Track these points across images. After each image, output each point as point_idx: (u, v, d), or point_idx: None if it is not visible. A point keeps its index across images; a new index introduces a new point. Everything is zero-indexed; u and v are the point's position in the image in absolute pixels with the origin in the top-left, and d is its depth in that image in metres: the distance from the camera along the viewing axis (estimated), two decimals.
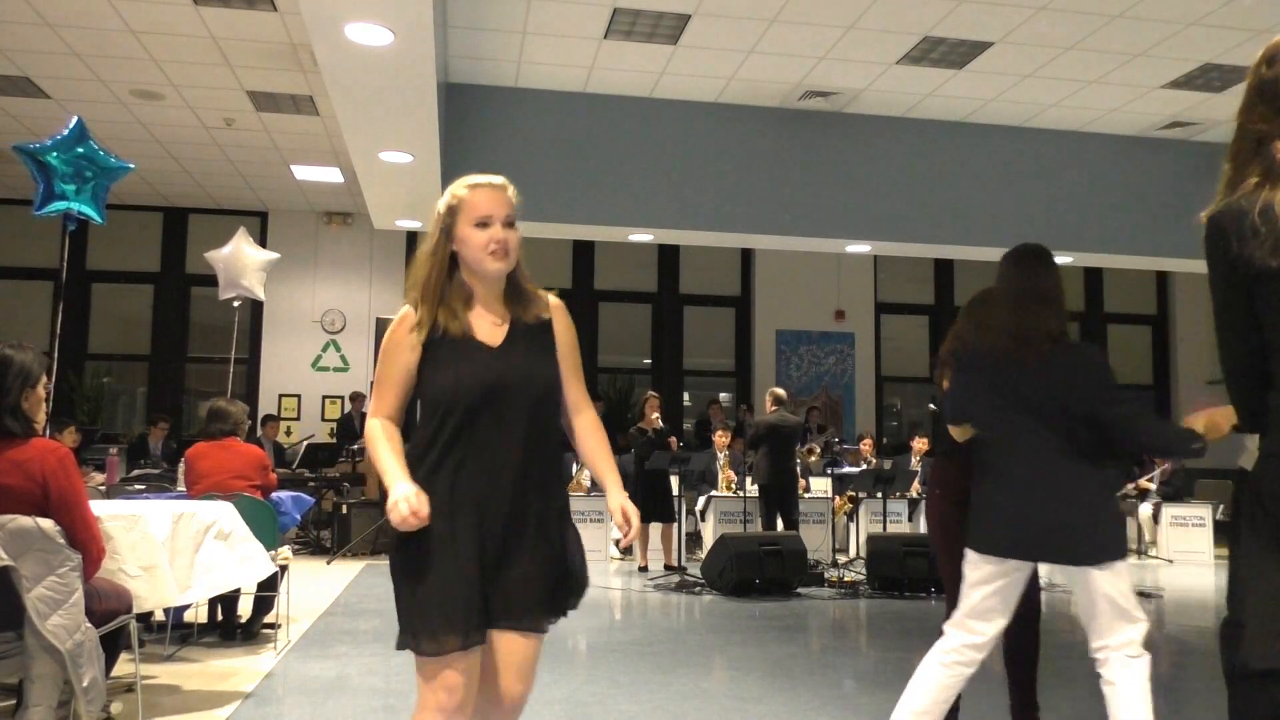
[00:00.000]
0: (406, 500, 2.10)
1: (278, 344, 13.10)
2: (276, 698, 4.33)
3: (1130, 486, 11.26)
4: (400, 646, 2.24)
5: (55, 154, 5.72)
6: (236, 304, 8.74)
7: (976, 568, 3.00)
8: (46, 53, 8.11)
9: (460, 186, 2.30)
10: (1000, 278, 3.20)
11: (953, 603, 3.48)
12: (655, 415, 9.10)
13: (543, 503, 2.26)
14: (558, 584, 2.28)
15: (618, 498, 2.35)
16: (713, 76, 8.51)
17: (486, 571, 2.18)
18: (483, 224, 2.25)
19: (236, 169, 11.33)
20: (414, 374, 2.26)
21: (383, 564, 9.13)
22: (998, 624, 3.00)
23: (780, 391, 9.47)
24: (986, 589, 2.98)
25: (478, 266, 2.27)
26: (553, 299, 2.40)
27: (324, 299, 13.23)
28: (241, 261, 8.60)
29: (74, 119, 5.92)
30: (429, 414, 2.24)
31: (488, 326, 2.29)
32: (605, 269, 13.97)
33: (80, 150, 5.78)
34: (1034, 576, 3.47)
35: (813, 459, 11.34)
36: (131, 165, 6.24)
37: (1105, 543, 2.88)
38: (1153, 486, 11.29)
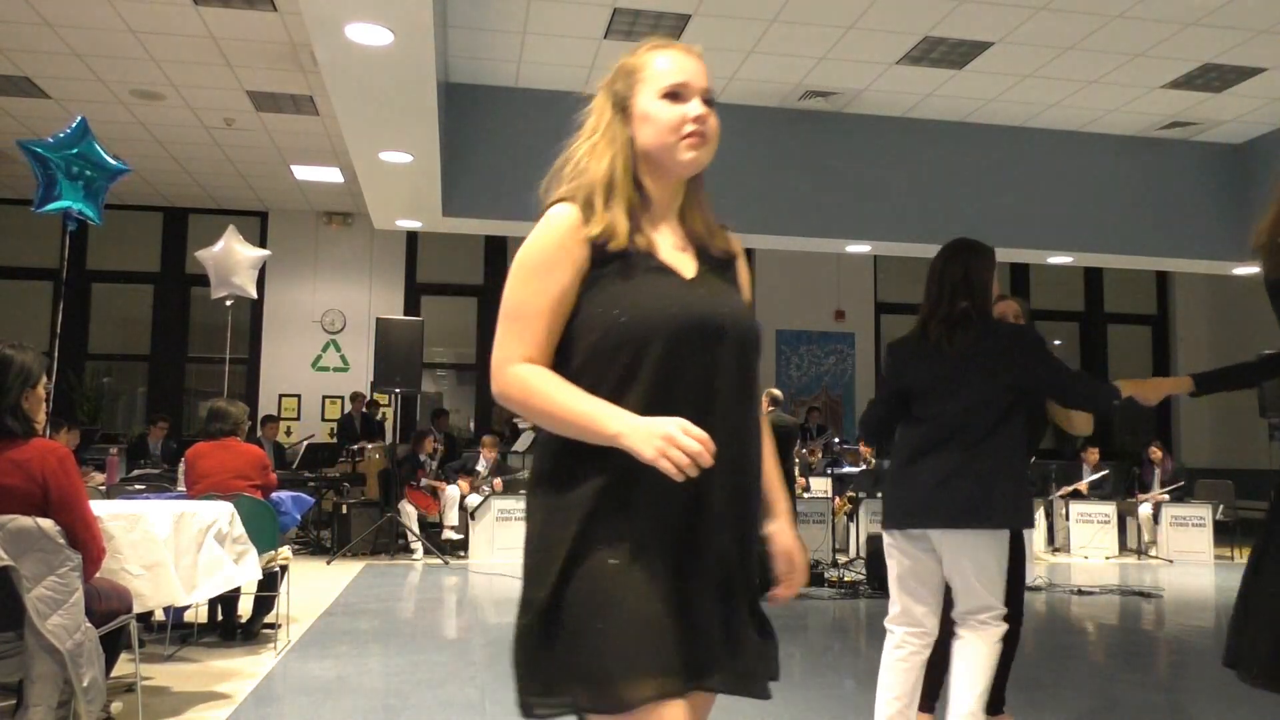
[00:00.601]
0: (683, 429, 1.42)
1: (278, 344, 13.10)
2: (276, 698, 4.33)
3: (1064, 490, 11.13)
4: (557, 708, 1.51)
5: (55, 152, 5.73)
6: (229, 303, 8.74)
7: (888, 549, 3.19)
8: (46, 53, 8.11)
9: (638, 53, 1.72)
10: (931, 269, 3.31)
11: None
12: None
13: (756, 502, 1.66)
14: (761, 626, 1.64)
15: (787, 535, 1.73)
16: (713, 76, 8.50)
17: (700, 597, 1.54)
18: (673, 95, 1.67)
19: (236, 169, 11.33)
20: (571, 300, 1.60)
21: (383, 564, 9.15)
22: (930, 606, 3.12)
23: (776, 392, 9.47)
24: (902, 570, 3.14)
25: (664, 155, 1.65)
26: (733, 235, 1.82)
27: (324, 299, 13.23)
28: (232, 259, 8.60)
29: (78, 118, 5.94)
30: (593, 363, 1.56)
31: (669, 248, 1.67)
32: None
33: (78, 150, 5.79)
34: (1021, 574, 3.49)
35: (814, 459, 11.33)
36: (128, 168, 6.25)
37: (993, 508, 2.98)
38: (1084, 489, 11.12)
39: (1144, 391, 3.09)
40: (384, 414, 12.24)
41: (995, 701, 3.54)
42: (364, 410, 12.18)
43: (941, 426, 3.02)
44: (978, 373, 3.02)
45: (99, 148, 5.98)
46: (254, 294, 8.82)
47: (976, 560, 2.98)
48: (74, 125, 5.90)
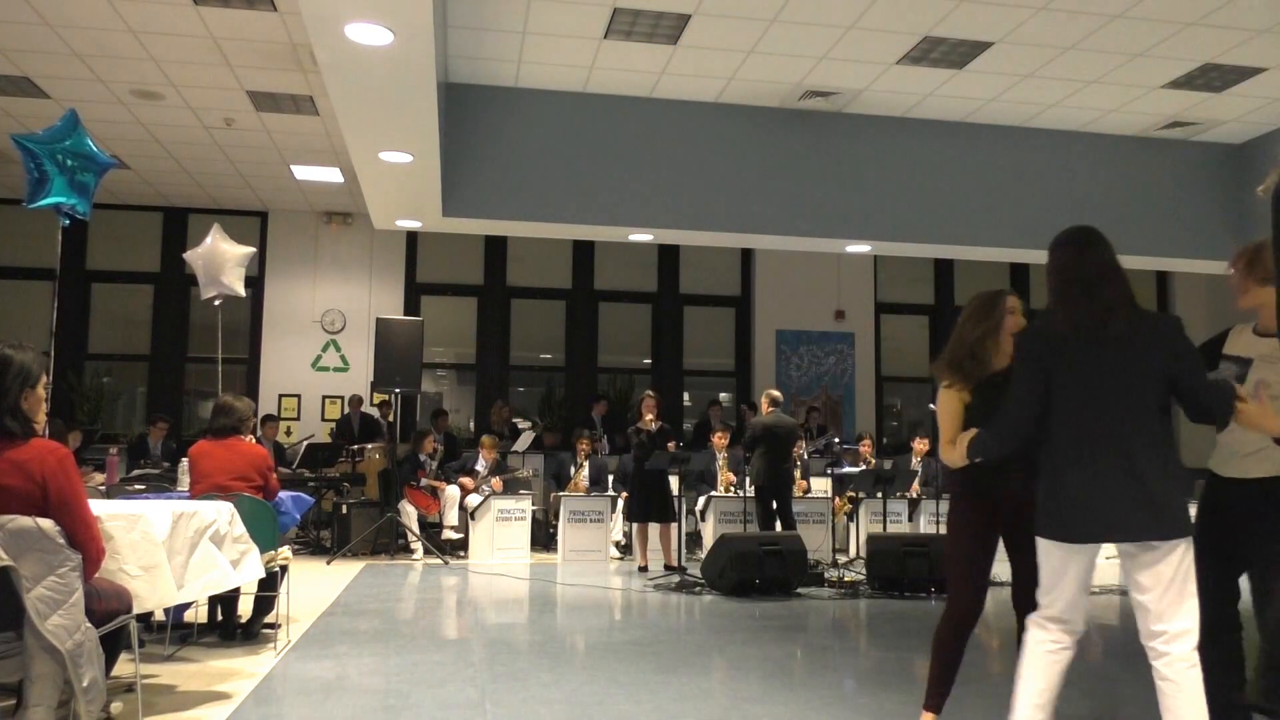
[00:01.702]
0: None
1: (277, 344, 13.10)
2: (276, 698, 4.33)
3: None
4: None
5: (46, 145, 5.71)
6: (217, 303, 8.71)
7: (1050, 556, 2.94)
8: (46, 53, 8.11)
9: None
10: (1061, 263, 3.04)
11: (950, 595, 3.49)
12: (650, 416, 9.09)
13: None
14: None
15: None
16: (713, 76, 8.52)
17: None
18: None
19: (236, 169, 11.33)
20: None
21: (383, 564, 9.15)
22: (1083, 608, 2.96)
23: (776, 393, 9.47)
24: (1066, 577, 2.92)
25: None
26: None
27: (324, 299, 13.23)
28: (219, 258, 8.54)
29: (67, 111, 5.90)
30: None
31: None
32: (605, 269, 13.97)
33: (69, 142, 5.76)
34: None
35: (798, 452, 11.23)
36: (118, 160, 6.22)
37: (1183, 518, 2.79)
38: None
39: (1254, 412, 2.84)
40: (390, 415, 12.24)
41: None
42: (362, 411, 12.18)
43: (1106, 426, 2.81)
44: (1139, 365, 2.82)
45: (89, 141, 5.95)
46: (242, 293, 8.76)
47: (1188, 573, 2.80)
48: (64, 118, 5.86)
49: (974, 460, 3.19)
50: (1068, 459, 2.86)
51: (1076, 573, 2.93)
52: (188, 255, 8.84)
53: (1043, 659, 2.97)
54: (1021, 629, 3.39)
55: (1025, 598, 3.39)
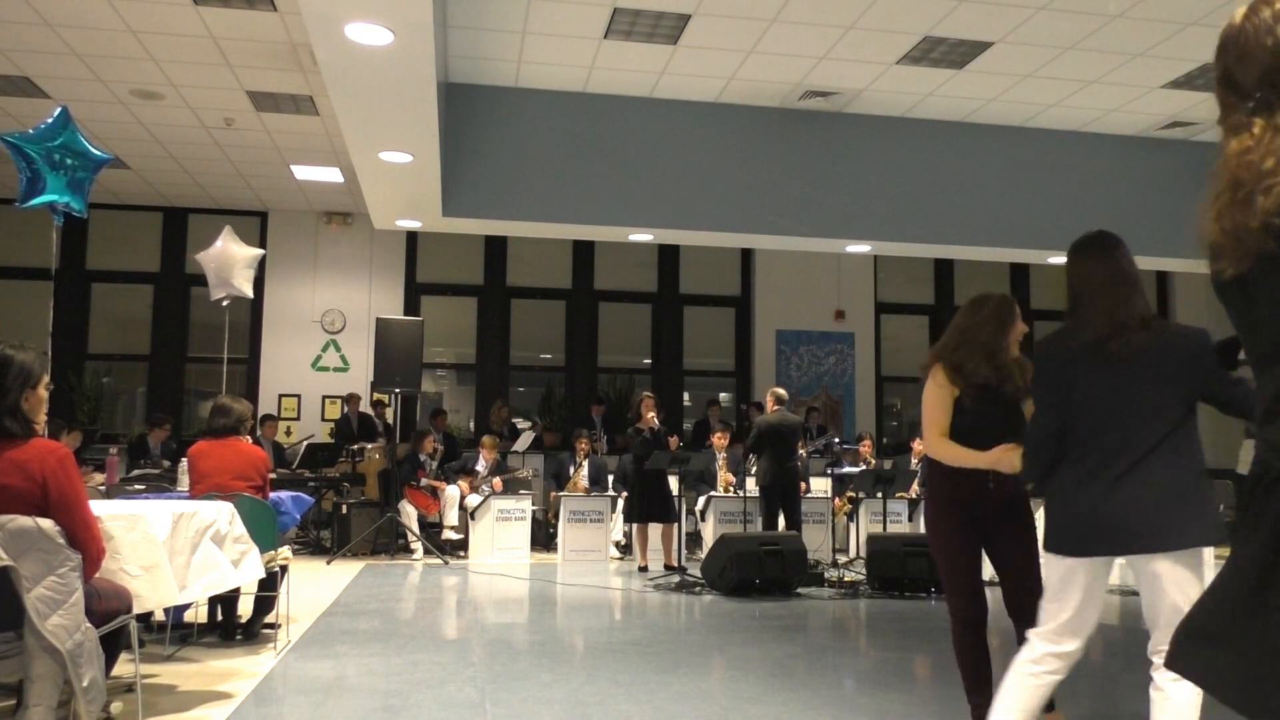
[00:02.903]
0: None
1: (277, 344, 13.10)
2: (276, 698, 4.33)
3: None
4: None
5: (37, 143, 5.69)
6: (225, 304, 8.72)
7: (1056, 570, 2.83)
8: (46, 53, 8.10)
9: None
10: (1080, 270, 2.95)
11: (950, 605, 3.46)
12: (651, 415, 9.09)
13: None
14: None
15: None
16: (713, 76, 8.52)
17: None
18: None
19: (236, 169, 11.33)
20: None
21: (383, 564, 9.15)
22: (1087, 629, 2.83)
23: (781, 391, 9.46)
24: (1070, 592, 2.80)
25: None
26: None
27: (324, 299, 13.23)
28: (230, 260, 8.59)
29: (58, 109, 5.88)
30: None
31: None
32: (605, 269, 13.97)
33: (61, 140, 5.75)
34: (1035, 574, 3.44)
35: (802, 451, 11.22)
36: (112, 156, 6.20)
37: (1195, 529, 2.69)
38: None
39: None
40: (388, 414, 12.25)
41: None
42: (361, 411, 12.18)
43: (1122, 440, 2.74)
44: (1159, 378, 2.74)
45: (82, 137, 5.93)
46: (250, 294, 8.81)
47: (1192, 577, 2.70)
48: (55, 116, 5.83)
49: (1025, 486, 3.16)
50: (1083, 473, 2.78)
51: (1083, 587, 2.80)
52: (200, 257, 8.86)
53: (1025, 681, 2.87)
54: (1020, 636, 3.38)
55: (1016, 604, 3.38)
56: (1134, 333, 2.77)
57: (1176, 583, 2.67)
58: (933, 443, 3.42)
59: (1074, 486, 2.78)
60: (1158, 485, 2.69)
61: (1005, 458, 3.19)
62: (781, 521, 9.02)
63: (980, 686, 3.39)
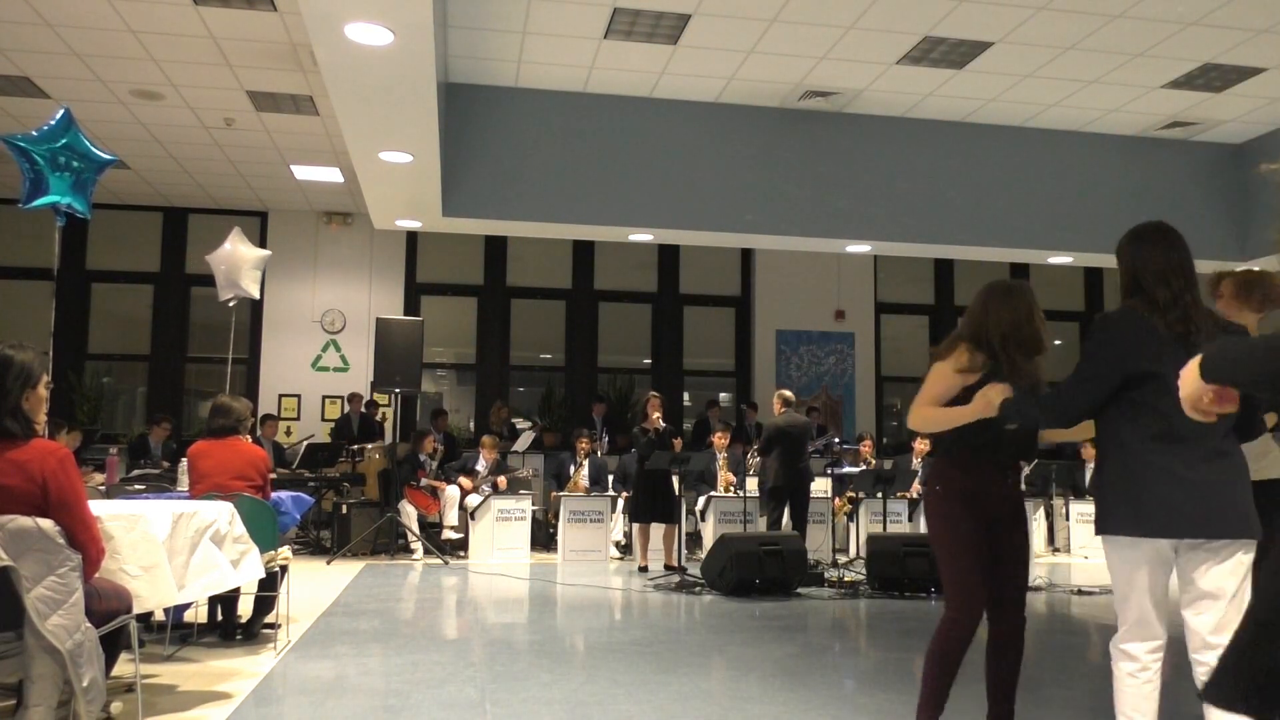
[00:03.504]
0: None
1: (278, 344, 13.10)
2: (276, 698, 4.32)
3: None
4: None
5: (40, 145, 5.69)
6: (232, 304, 8.75)
7: (1121, 564, 2.79)
8: (46, 53, 8.11)
9: None
10: (1146, 256, 2.96)
11: (954, 604, 3.42)
12: (656, 415, 9.09)
13: None
14: None
15: None
16: (713, 76, 8.52)
17: None
18: None
19: (236, 169, 11.33)
20: None
21: (383, 564, 9.15)
22: (1163, 614, 2.79)
23: (788, 393, 9.45)
24: (1137, 583, 2.76)
25: None
26: None
27: (324, 299, 13.23)
28: (239, 261, 8.62)
29: (61, 110, 5.88)
30: None
31: None
32: (605, 269, 13.97)
33: (64, 141, 5.74)
34: (1024, 575, 3.43)
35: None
36: (116, 158, 6.20)
37: (1256, 521, 2.72)
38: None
39: None
40: (384, 414, 12.24)
41: (1004, 715, 3.37)
42: (362, 411, 12.18)
43: (1198, 426, 2.63)
44: None
45: (85, 139, 5.94)
46: (257, 295, 8.84)
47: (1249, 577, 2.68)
48: (58, 117, 5.82)
49: (1006, 425, 3.07)
50: (1156, 455, 2.73)
51: (1149, 576, 2.76)
52: (209, 258, 8.88)
53: (1135, 691, 2.81)
54: (992, 635, 3.33)
55: (998, 597, 3.33)
56: (1205, 321, 2.80)
57: (1234, 572, 2.68)
58: (921, 411, 3.31)
59: (1148, 469, 2.73)
60: (1233, 473, 2.72)
61: (985, 400, 3.12)
62: (786, 521, 9.02)
63: (940, 702, 3.29)
